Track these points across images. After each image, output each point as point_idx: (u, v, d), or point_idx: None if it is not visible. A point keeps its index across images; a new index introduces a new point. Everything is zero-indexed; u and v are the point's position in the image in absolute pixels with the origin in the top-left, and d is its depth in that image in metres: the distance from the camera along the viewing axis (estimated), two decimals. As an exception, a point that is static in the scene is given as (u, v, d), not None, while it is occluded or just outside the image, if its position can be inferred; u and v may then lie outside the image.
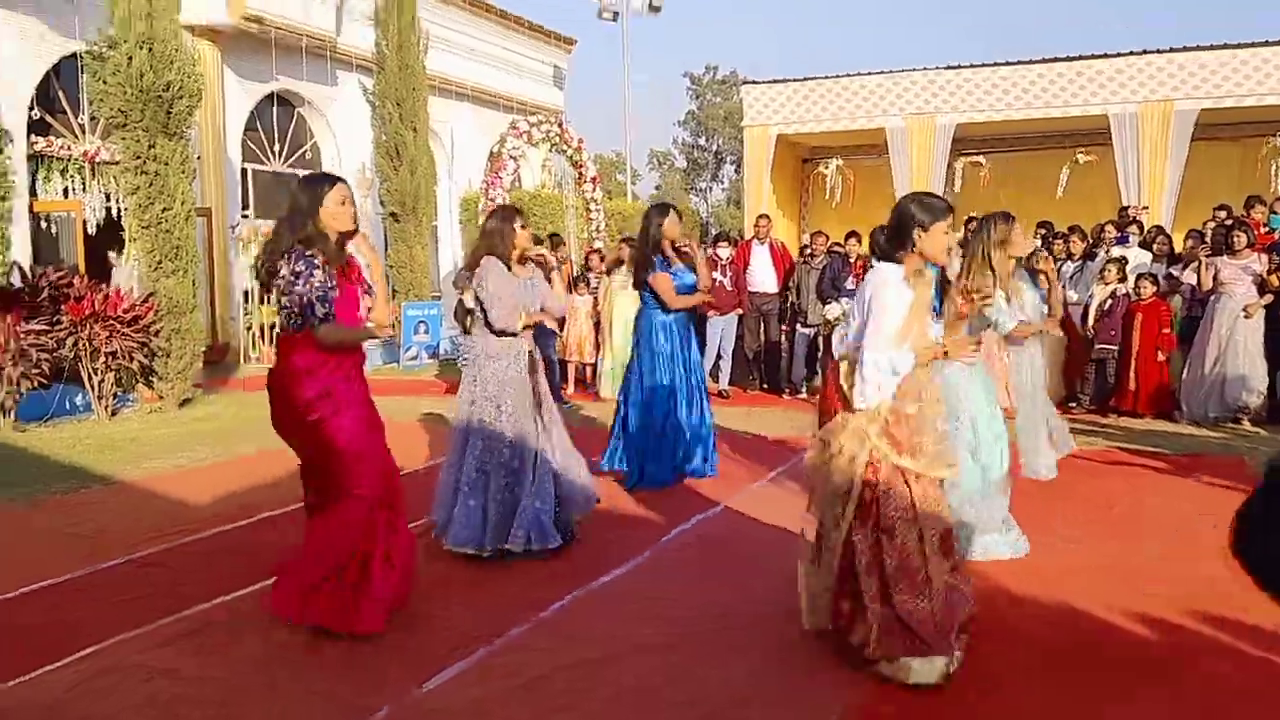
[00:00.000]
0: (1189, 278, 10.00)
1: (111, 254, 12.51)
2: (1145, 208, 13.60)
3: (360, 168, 17.42)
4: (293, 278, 4.09)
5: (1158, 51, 14.60)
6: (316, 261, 4.12)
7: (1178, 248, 11.02)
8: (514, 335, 5.40)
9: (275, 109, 17.05)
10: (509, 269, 5.42)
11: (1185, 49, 14.47)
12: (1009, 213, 5.59)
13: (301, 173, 17.22)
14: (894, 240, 3.88)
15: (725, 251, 11.53)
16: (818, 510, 3.95)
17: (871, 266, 4.05)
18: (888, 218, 3.96)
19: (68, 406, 10.28)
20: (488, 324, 5.38)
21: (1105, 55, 14.93)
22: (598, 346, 11.68)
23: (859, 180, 17.67)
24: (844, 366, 3.90)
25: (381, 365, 14.29)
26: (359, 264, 4.39)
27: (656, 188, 53.73)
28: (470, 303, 5.48)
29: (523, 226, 5.52)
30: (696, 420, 7.11)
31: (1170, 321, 9.70)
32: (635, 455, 6.97)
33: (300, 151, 17.70)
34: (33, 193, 13.03)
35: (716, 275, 11.42)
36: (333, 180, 4.30)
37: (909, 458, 3.70)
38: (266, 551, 4.43)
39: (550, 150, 15.88)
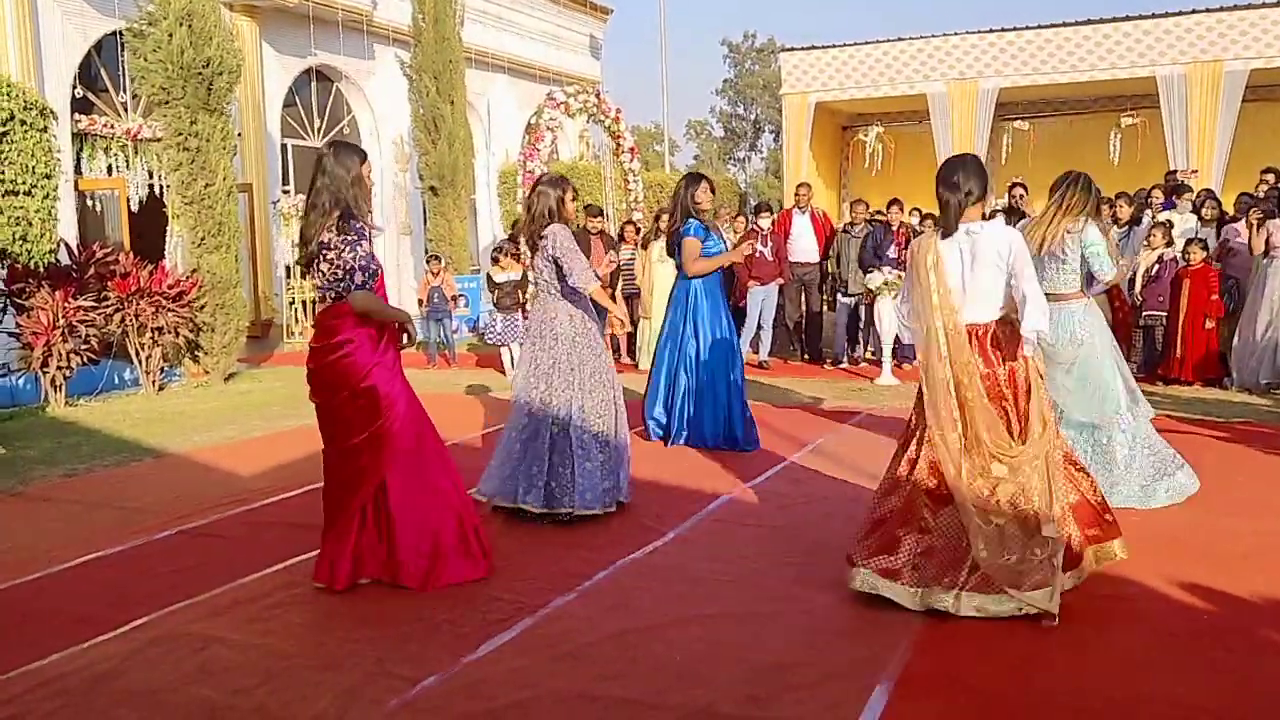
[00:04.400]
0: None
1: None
2: (1195, 171, 13.34)
3: (398, 141, 17.47)
4: (342, 245, 4.22)
5: (1206, 10, 14.27)
6: (366, 233, 4.31)
7: (1228, 211, 10.79)
8: (586, 295, 5.51)
9: (313, 84, 17.11)
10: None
11: (1235, 7, 14.14)
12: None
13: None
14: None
15: (766, 221, 11.44)
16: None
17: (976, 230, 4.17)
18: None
19: (116, 381, 10.46)
20: (564, 289, 5.47)
21: (1152, 15, 14.61)
22: (634, 320, 11.66)
23: (900, 147, 17.49)
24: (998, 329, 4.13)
25: (422, 339, 14.36)
26: None
27: (695, 158, 53.49)
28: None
29: (573, 198, 5.61)
30: (720, 392, 7.20)
31: (1220, 287, 9.50)
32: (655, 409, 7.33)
33: (339, 126, 17.77)
34: (77, 171, 13.19)
35: (757, 245, 11.37)
36: (363, 153, 4.46)
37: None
38: (316, 521, 4.49)
39: (588, 121, 15.83)
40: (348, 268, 4.22)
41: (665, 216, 9.79)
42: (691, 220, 7.15)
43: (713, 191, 7.36)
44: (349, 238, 4.24)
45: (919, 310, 4.16)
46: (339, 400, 4.33)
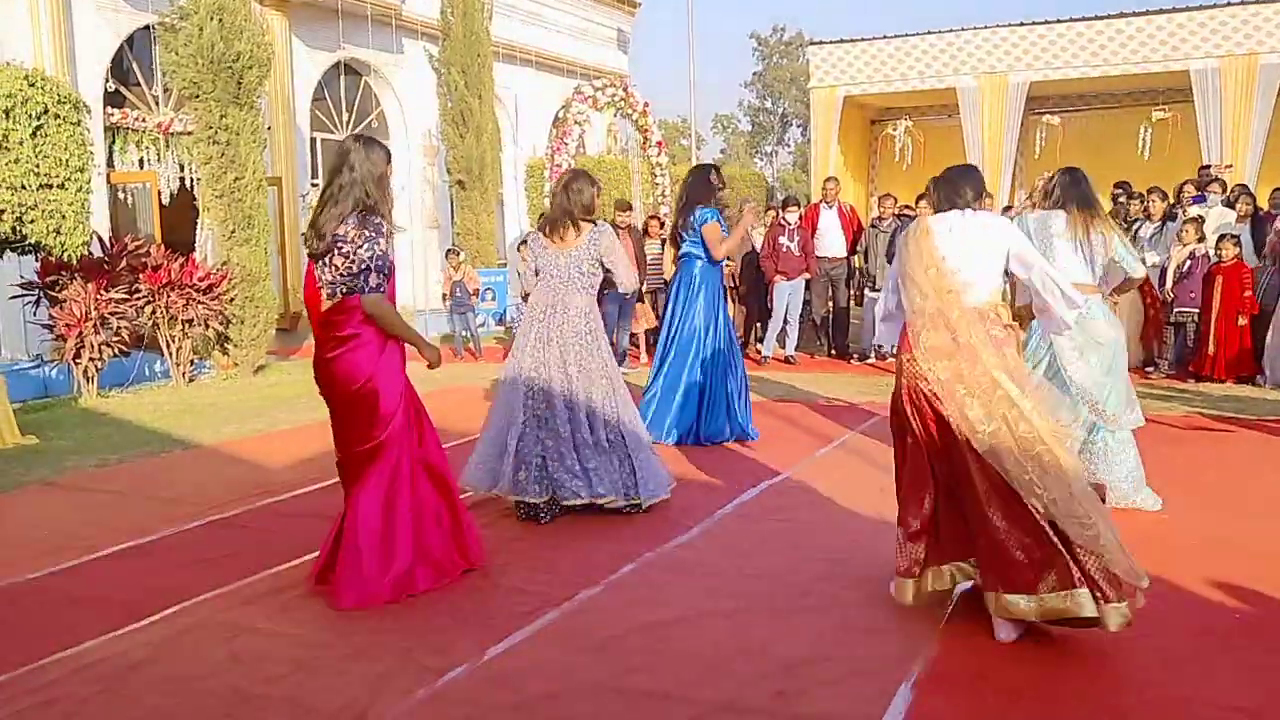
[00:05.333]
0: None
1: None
2: (1229, 166, 13.18)
3: (426, 135, 17.52)
4: (360, 241, 4.08)
5: (1241, 3, 14.08)
6: (384, 230, 4.17)
7: (1263, 207, 10.65)
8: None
9: (342, 78, 17.18)
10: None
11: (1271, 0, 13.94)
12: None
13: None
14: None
15: (793, 215, 11.41)
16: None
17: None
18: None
19: (147, 373, 10.57)
20: (588, 283, 5.46)
21: (1185, 8, 14.46)
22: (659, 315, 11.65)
23: (929, 142, 17.38)
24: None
25: (448, 332, 14.42)
26: None
27: (722, 151, 53.37)
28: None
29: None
30: (723, 382, 7.19)
31: (1263, 284, 9.39)
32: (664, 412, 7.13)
33: (367, 120, 17.84)
34: (110, 164, 13.31)
35: (784, 240, 11.34)
36: (389, 152, 4.34)
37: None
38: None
39: (615, 115, 15.81)
40: (362, 265, 4.07)
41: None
42: (704, 207, 7.14)
43: (722, 183, 7.36)
44: (368, 234, 4.09)
45: (916, 292, 3.98)
46: (338, 399, 4.23)
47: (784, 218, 11.45)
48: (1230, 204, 10.53)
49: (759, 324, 12.36)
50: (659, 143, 15.63)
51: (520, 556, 4.79)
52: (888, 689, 3.31)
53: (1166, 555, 4.52)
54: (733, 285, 12.03)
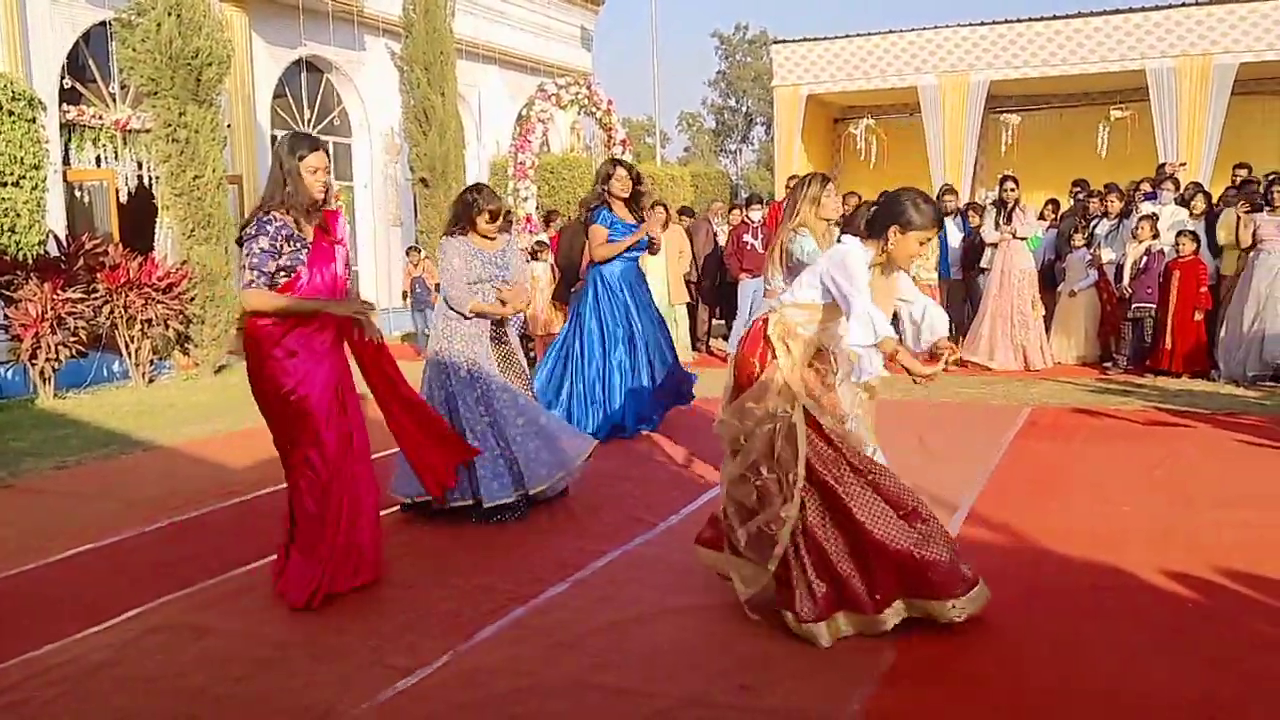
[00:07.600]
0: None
1: None
2: (1183, 164, 13.38)
3: (388, 133, 17.42)
4: (245, 239, 4.10)
5: (1196, 4, 14.31)
6: (269, 228, 4.07)
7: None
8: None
9: (303, 75, 17.04)
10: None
11: (1224, 0, 14.16)
12: (826, 175, 5.60)
13: (331, 139, 17.26)
14: (872, 226, 3.81)
15: (757, 214, 11.45)
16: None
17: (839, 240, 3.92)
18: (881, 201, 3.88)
19: (105, 374, 10.44)
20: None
21: (1142, 9, 14.67)
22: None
23: (891, 140, 17.50)
24: (775, 319, 3.80)
25: (412, 330, 14.35)
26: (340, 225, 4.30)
27: (686, 149, 53.43)
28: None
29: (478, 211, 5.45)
30: (656, 369, 7.33)
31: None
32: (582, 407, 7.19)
33: (329, 117, 17.70)
34: (66, 162, 13.12)
35: (748, 238, 11.37)
36: (313, 144, 4.16)
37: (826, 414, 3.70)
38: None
39: (579, 113, 15.79)
40: (239, 265, 4.24)
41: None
42: (601, 209, 7.17)
43: (636, 179, 7.31)
44: (249, 231, 4.14)
45: None
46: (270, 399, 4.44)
47: (748, 215, 11.50)
48: (1183, 202, 10.70)
49: (723, 320, 12.42)
50: (623, 141, 15.64)
51: (486, 555, 4.78)
52: (851, 682, 3.35)
53: (1123, 549, 4.59)
54: (694, 281, 12.08)
